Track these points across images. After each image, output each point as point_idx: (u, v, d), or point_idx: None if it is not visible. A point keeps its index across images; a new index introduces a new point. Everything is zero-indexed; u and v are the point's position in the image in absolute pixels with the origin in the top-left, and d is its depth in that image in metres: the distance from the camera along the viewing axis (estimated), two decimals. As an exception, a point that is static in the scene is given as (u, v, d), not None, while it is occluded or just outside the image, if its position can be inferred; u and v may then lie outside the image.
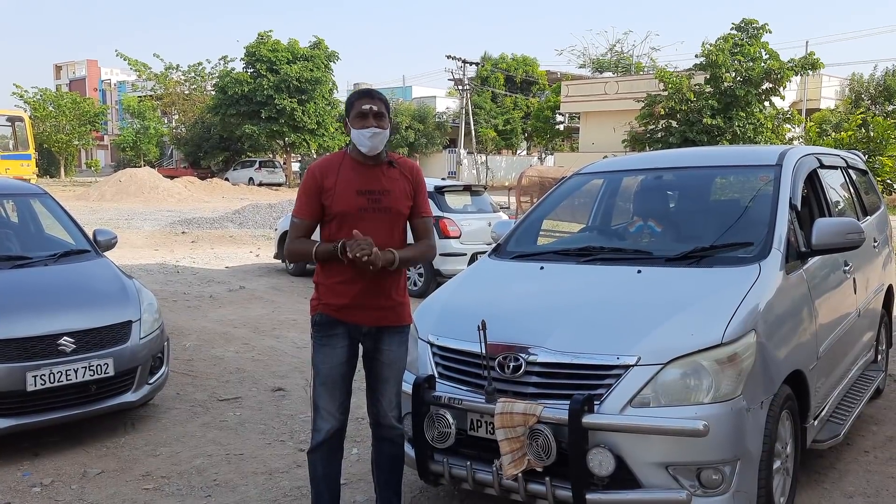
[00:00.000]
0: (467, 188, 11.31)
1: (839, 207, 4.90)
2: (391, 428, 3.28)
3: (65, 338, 4.46)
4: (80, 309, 4.74)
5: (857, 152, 6.11)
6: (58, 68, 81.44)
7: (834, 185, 4.95)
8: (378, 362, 3.23)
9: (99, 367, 4.53)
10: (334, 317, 3.15)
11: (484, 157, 46.64)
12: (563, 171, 18.16)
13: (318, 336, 3.19)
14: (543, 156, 50.18)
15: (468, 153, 44.35)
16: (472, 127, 43.56)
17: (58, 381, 4.38)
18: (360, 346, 3.23)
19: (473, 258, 9.52)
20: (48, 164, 48.92)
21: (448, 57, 43.22)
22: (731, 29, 27.01)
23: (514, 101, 49.19)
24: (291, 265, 11.67)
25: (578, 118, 39.51)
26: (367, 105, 3.09)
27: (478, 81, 47.55)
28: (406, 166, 3.25)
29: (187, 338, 7.40)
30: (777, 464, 3.32)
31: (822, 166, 4.71)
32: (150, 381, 4.95)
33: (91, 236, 5.74)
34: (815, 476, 4.06)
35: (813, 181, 4.47)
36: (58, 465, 4.33)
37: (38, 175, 28.79)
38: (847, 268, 4.43)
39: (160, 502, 3.88)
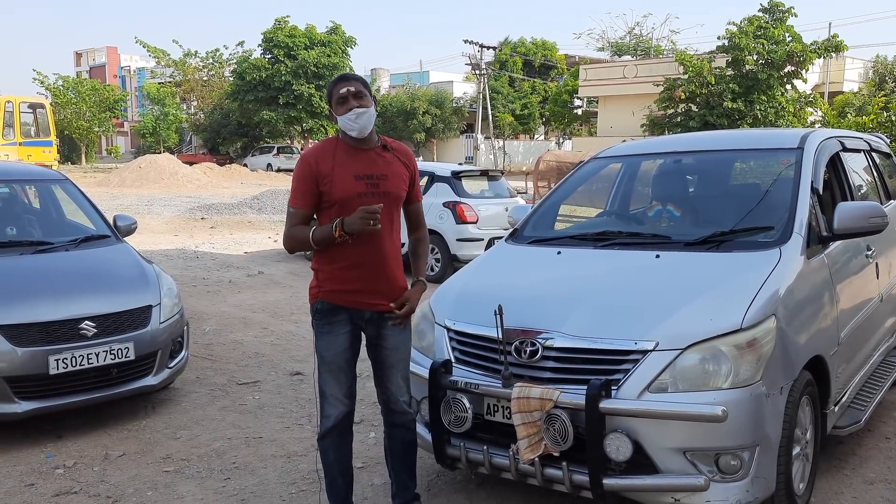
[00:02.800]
0: (484, 173, 11.28)
1: (862, 191, 4.82)
2: (403, 413, 3.28)
3: (86, 322, 4.51)
4: (100, 293, 4.79)
5: (881, 135, 6.01)
6: (78, 55, 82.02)
7: (857, 169, 4.87)
8: (382, 349, 3.23)
9: (120, 351, 4.59)
10: (335, 303, 3.15)
11: (501, 142, 46.43)
12: (581, 156, 18.04)
13: (319, 324, 3.19)
14: (561, 140, 49.87)
15: (485, 138, 44.14)
16: (490, 112, 43.31)
17: (79, 365, 4.43)
18: (363, 333, 3.23)
19: (490, 243, 9.50)
20: (69, 151, 49.34)
21: (465, 41, 43.17)
22: (759, 11, 26.58)
23: (532, 86, 48.85)
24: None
25: (597, 102, 39.17)
26: (345, 88, 3.07)
27: (495, 66, 47.23)
28: (401, 150, 3.25)
29: (207, 322, 7.47)
30: (797, 450, 3.30)
31: (845, 149, 4.64)
32: (170, 365, 5.01)
33: (111, 222, 5.79)
34: (836, 462, 4.03)
35: (835, 164, 4.41)
36: (80, 448, 4.39)
37: (59, 161, 29.05)
38: (869, 252, 4.37)
39: (180, 484, 3.93)
